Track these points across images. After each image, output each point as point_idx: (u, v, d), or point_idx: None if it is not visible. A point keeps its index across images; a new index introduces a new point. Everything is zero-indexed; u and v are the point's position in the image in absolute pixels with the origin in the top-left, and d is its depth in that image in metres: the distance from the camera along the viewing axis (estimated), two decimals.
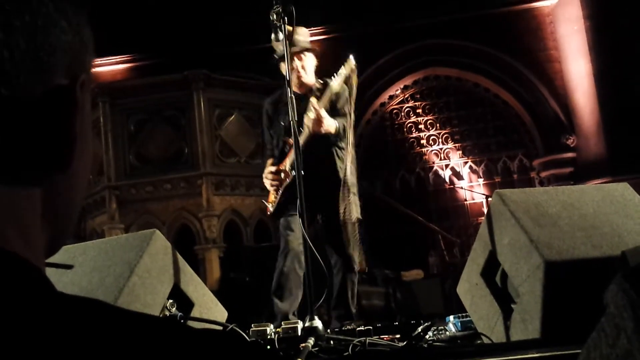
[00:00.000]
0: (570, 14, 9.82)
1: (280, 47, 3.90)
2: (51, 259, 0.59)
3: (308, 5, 4.70)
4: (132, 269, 2.71)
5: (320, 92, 4.11)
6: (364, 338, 2.81)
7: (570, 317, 2.31)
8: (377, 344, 2.83)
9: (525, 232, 2.61)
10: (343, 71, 4.01)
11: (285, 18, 3.51)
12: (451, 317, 3.56)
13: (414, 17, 10.28)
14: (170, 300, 2.90)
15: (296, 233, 4.07)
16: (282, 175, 4.16)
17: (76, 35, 0.56)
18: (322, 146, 4.06)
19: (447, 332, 3.39)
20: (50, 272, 0.52)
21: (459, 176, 10.60)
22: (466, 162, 10.59)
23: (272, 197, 4.25)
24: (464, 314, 3.39)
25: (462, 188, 10.42)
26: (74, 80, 0.55)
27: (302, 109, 3.93)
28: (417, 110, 10.77)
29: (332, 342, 2.96)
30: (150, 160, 6.71)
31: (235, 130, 6.87)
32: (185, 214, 6.67)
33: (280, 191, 4.17)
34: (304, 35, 4.31)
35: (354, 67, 3.99)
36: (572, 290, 2.46)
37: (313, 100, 3.96)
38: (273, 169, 4.20)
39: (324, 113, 3.95)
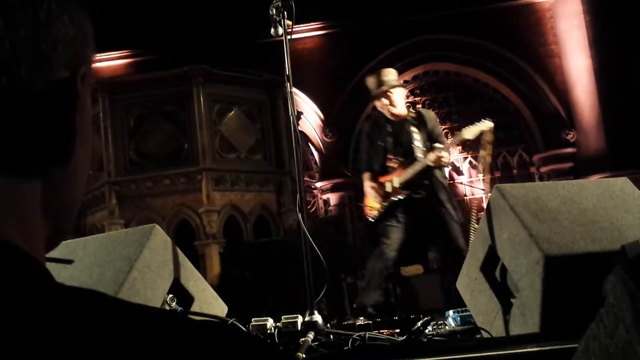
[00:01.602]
0: (570, 9, 9.80)
1: (372, 85, 5.05)
2: (51, 254, 0.59)
3: (308, 0, 4.72)
4: (132, 264, 2.71)
5: (416, 121, 4.96)
6: (364, 332, 2.81)
7: (570, 311, 2.31)
8: (377, 339, 2.84)
9: (525, 227, 2.61)
10: (478, 127, 4.87)
11: (285, 13, 3.51)
12: (451, 312, 3.57)
13: (414, 13, 10.26)
14: (170, 295, 2.90)
15: (392, 242, 4.90)
16: (387, 188, 4.89)
17: (77, 29, 0.56)
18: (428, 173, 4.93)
19: (447, 327, 3.39)
20: (50, 267, 0.52)
21: (458, 171, 10.61)
22: (466, 158, 10.60)
23: (375, 204, 4.96)
24: (463, 309, 3.40)
25: (461, 183, 10.42)
26: (75, 74, 0.55)
27: (403, 135, 4.93)
28: (417, 106, 10.76)
29: (331, 336, 2.96)
30: (150, 156, 6.70)
31: (235, 126, 6.86)
32: (185, 210, 6.66)
33: (385, 203, 4.91)
34: (391, 74, 5.14)
35: (491, 128, 4.95)
36: (572, 284, 2.46)
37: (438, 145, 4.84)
38: (372, 184, 4.99)
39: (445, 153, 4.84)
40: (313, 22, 10.42)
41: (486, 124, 4.91)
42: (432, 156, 4.79)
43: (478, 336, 2.96)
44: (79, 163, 0.57)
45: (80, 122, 0.56)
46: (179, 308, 2.90)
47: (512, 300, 2.75)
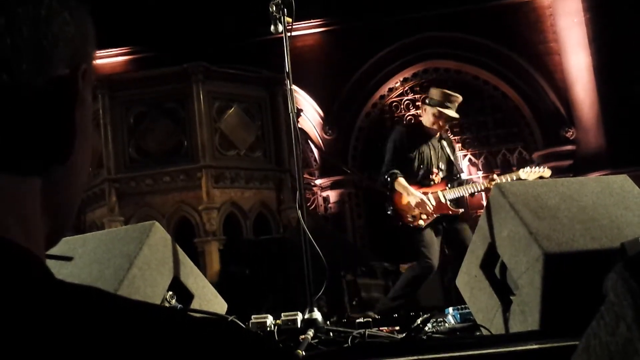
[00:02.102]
0: (570, 6, 9.79)
1: (438, 97, 5.22)
2: (51, 251, 0.59)
3: None
4: (132, 261, 2.71)
5: (447, 141, 5.31)
6: (364, 330, 2.81)
7: (570, 309, 2.31)
8: (377, 336, 2.84)
9: (525, 224, 2.61)
10: (537, 172, 4.98)
11: (285, 10, 3.51)
12: (450, 309, 3.57)
13: (414, 10, 10.25)
14: (170, 292, 2.90)
15: (435, 255, 4.98)
16: (435, 201, 5.02)
17: (78, 27, 0.56)
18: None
19: (447, 324, 3.40)
20: (49, 264, 0.52)
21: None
22: (466, 155, 10.60)
23: (422, 214, 5.01)
24: (463, 306, 3.40)
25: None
26: (76, 72, 0.55)
27: (442, 152, 5.22)
28: (417, 103, 10.76)
29: (331, 333, 2.96)
30: (149, 153, 6.70)
31: (235, 123, 6.85)
32: (184, 207, 6.66)
33: (434, 215, 5.01)
34: (458, 101, 5.36)
35: (549, 175, 5.00)
36: (571, 282, 2.46)
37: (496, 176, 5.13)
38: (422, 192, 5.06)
39: None
40: (313, 19, 10.41)
41: (545, 171, 5.05)
42: (487, 183, 5.04)
43: (478, 334, 2.97)
44: (79, 161, 0.57)
45: (81, 120, 0.56)
46: (179, 305, 2.91)
47: (511, 297, 2.75)
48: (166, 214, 6.57)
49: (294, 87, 3.59)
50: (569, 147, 10.05)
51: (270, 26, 3.60)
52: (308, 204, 10.33)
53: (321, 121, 10.60)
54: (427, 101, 5.30)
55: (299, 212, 3.42)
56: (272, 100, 6.97)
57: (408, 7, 10.24)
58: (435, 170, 5.16)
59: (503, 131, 10.59)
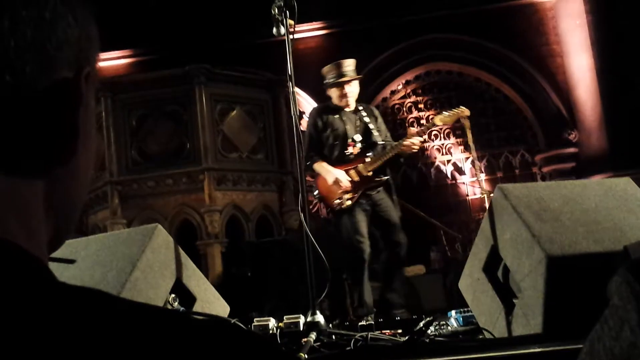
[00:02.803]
0: (572, 8, 9.79)
1: (331, 74, 4.92)
2: (53, 254, 0.59)
3: (310, 0, 4.75)
4: (135, 264, 2.71)
5: (367, 112, 4.99)
6: (366, 333, 2.81)
7: (573, 312, 2.31)
8: (379, 339, 2.84)
9: (527, 227, 2.61)
10: (455, 113, 4.85)
11: (287, 12, 3.52)
12: (453, 312, 3.57)
13: (416, 12, 10.26)
14: (173, 295, 2.90)
15: (366, 236, 4.84)
16: (355, 177, 4.76)
17: (82, 30, 0.56)
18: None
19: (449, 327, 3.39)
20: (52, 267, 0.52)
21: (460, 171, 10.60)
22: (468, 158, 10.59)
23: (344, 194, 4.78)
24: (465, 309, 3.40)
25: (464, 183, 10.42)
26: (79, 75, 0.55)
27: (359, 124, 4.91)
28: (419, 105, 10.76)
29: (334, 336, 2.96)
30: (152, 156, 6.70)
31: (237, 125, 6.86)
32: (187, 209, 6.66)
33: (356, 193, 4.78)
34: (353, 65, 4.99)
35: (467, 114, 4.90)
36: (574, 285, 2.46)
37: (412, 130, 4.92)
38: (341, 170, 4.80)
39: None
40: (315, 21, 10.42)
41: (462, 110, 4.88)
42: (406, 142, 4.77)
43: (480, 337, 2.96)
44: (82, 163, 0.57)
45: (84, 123, 0.56)
46: (181, 308, 2.91)
47: (514, 300, 2.75)
48: (168, 217, 6.57)
49: (296, 89, 3.59)
50: (572, 150, 10.04)
51: (272, 29, 3.61)
52: (310, 207, 10.31)
53: None
54: (324, 83, 5.05)
55: (301, 214, 3.42)
56: (275, 102, 6.97)
57: (410, 10, 10.25)
58: (350, 142, 4.88)
59: (505, 133, 10.59)
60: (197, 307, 3.04)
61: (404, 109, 10.85)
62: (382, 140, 4.92)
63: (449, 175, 10.58)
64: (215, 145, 6.67)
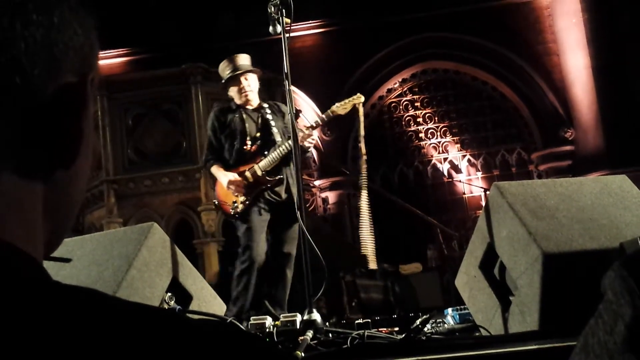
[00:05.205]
0: (568, 6, 9.81)
1: (225, 70, 4.56)
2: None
3: None
4: (131, 262, 2.71)
5: (271, 110, 4.59)
6: (363, 331, 2.81)
7: (569, 309, 2.31)
8: (376, 337, 2.84)
9: (524, 225, 2.61)
10: (350, 102, 4.43)
11: (283, 10, 3.52)
12: (449, 310, 3.57)
13: (412, 11, 10.26)
14: (169, 294, 2.90)
15: (260, 245, 4.36)
16: (250, 178, 4.37)
17: (86, 37, 0.57)
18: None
19: (446, 325, 3.40)
20: (48, 266, 0.52)
21: (457, 169, 10.61)
22: (464, 156, 10.60)
23: (238, 198, 4.37)
24: (462, 307, 3.40)
25: (460, 181, 10.43)
26: (84, 79, 0.56)
27: (260, 122, 4.52)
28: (416, 104, 10.77)
29: (330, 335, 2.96)
30: (148, 154, 6.70)
31: None
32: (183, 208, 6.66)
33: (249, 195, 4.37)
34: (247, 59, 4.65)
35: (361, 101, 4.45)
36: (571, 282, 2.46)
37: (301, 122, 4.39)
38: (234, 173, 4.42)
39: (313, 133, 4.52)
40: (311, 20, 10.42)
41: (358, 97, 4.44)
42: (300, 134, 4.24)
43: (477, 334, 2.96)
44: (80, 166, 0.58)
45: (86, 127, 0.57)
46: (178, 307, 2.91)
47: (510, 298, 2.75)
48: (165, 215, 6.57)
49: (292, 87, 3.59)
50: (568, 148, 10.05)
51: (269, 27, 3.61)
52: (307, 205, 10.32)
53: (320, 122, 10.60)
54: (222, 83, 4.69)
55: (298, 213, 3.43)
56: (271, 101, 6.97)
57: (406, 8, 10.25)
58: (248, 142, 4.48)
59: (502, 132, 10.60)
60: (193, 306, 3.04)
61: (400, 107, 10.86)
62: (283, 138, 4.48)
63: (446, 173, 10.58)
64: None
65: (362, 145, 4.50)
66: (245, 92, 4.53)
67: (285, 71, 3.54)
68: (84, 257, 2.86)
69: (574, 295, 2.33)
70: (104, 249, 2.88)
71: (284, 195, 4.44)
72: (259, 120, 4.54)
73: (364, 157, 4.44)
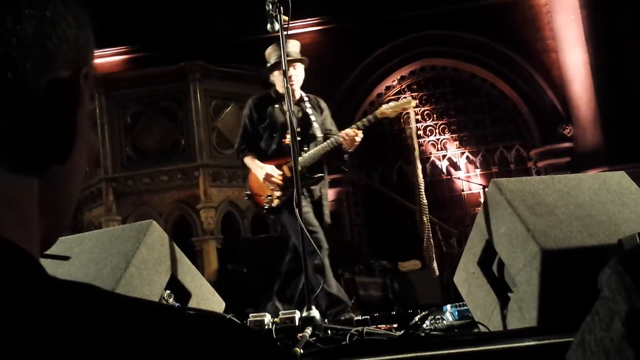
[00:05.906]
0: (567, 3, 9.80)
1: (273, 55, 4.47)
2: (48, 251, 0.59)
3: None
4: (129, 260, 2.71)
5: (311, 104, 4.51)
6: (362, 327, 2.81)
7: (567, 305, 2.31)
8: (375, 334, 2.84)
9: (522, 221, 2.61)
10: (400, 105, 4.30)
11: (281, 8, 3.52)
12: (448, 307, 3.58)
13: (411, 8, 10.25)
14: (168, 291, 2.90)
15: (319, 228, 4.40)
16: (288, 172, 4.23)
17: (80, 31, 0.57)
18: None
19: (445, 321, 3.40)
20: (46, 264, 0.52)
21: (456, 167, 10.61)
22: (463, 153, 10.59)
23: (275, 192, 4.29)
24: (461, 303, 3.41)
25: (459, 178, 10.43)
26: (78, 74, 0.56)
27: (300, 115, 4.38)
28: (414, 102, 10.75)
29: (329, 331, 2.96)
30: (146, 152, 6.70)
31: (232, 122, 6.85)
32: (182, 206, 6.66)
33: (288, 189, 4.20)
34: (298, 46, 4.70)
35: (413, 105, 4.32)
36: (569, 278, 2.46)
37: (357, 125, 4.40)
38: (271, 165, 4.32)
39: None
40: (309, 17, 10.40)
41: (409, 101, 4.35)
42: (347, 133, 4.27)
43: (475, 330, 2.97)
44: (76, 162, 0.57)
45: (80, 122, 0.56)
46: (177, 304, 2.91)
47: (509, 294, 2.75)
48: (163, 213, 6.57)
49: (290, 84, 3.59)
50: (567, 144, 10.05)
51: (267, 25, 3.61)
52: None
53: None
54: (268, 67, 4.56)
55: (297, 210, 3.43)
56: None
57: (405, 5, 10.23)
58: (288, 135, 4.14)
59: (500, 129, 10.59)
60: (192, 303, 3.04)
61: None
62: (322, 134, 4.41)
63: (444, 170, 10.58)
64: (210, 141, 6.67)
65: (415, 144, 4.33)
66: (292, 81, 4.30)
67: (283, 69, 3.55)
68: (83, 255, 2.86)
69: (572, 292, 2.33)
70: (103, 246, 2.88)
71: (316, 195, 4.41)
72: (300, 114, 4.37)
73: (418, 165, 4.32)
